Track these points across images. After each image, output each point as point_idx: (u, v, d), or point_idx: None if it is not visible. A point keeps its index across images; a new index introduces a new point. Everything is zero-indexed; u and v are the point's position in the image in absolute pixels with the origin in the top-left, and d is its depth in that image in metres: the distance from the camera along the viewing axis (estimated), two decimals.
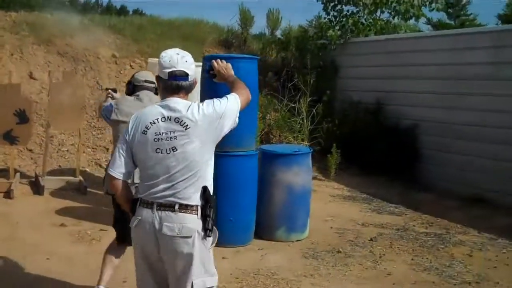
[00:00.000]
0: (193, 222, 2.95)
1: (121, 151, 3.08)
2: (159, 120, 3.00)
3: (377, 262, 5.86)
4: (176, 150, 2.95)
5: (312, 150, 6.77)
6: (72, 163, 8.91)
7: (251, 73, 5.87)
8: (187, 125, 2.96)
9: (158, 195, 2.96)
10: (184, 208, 2.94)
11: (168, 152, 2.96)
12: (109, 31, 12.25)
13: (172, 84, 3.05)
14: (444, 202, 8.33)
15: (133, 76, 4.72)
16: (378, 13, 12.40)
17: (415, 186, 9.23)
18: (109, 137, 9.90)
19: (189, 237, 2.93)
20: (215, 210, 3.01)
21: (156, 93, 4.45)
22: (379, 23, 12.01)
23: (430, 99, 9.55)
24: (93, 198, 7.64)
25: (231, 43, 13.59)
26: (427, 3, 12.18)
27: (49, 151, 9.12)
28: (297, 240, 6.38)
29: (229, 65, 3.46)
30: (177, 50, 3.12)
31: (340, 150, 9.90)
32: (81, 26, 11.75)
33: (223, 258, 5.58)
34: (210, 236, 3.01)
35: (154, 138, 2.98)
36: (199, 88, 5.91)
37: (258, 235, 6.33)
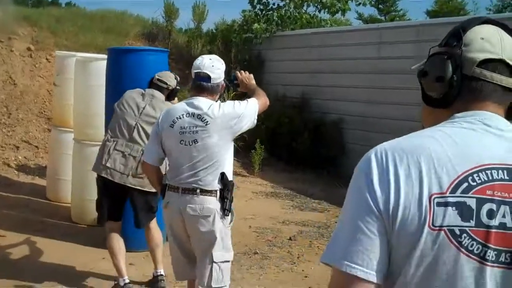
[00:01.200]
0: (213, 203, 3.45)
1: (153, 140, 3.63)
2: (184, 115, 3.49)
3: (295, 263, 5.65)
4: (197, 142, 3.45)
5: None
6: None
7: (160, 66, 5.51)
8: (207, 121, 3.45)
9: (183, 181, 3.47)
10: (205, 192, 3.44)
11: (191, 144, 3.45)
12: (25, 23, 11.60)
13: (196, 84, 3.57)
14: None
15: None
16: (304, 7, 12.23)
17: (340, 181, 9.09)
18: (20, 135, 9.35)
19: (209, 216, 3.44)
20: (232, 193, 3.52)
21: (169, 94, 4.78)
22: (304, 16, 11.82)
23: (354, 93, 9.45)
24: None
25: (155, 36, 13.15)
26: None
27: None
28: None
29: (251, 75, 3.87)
30: (211, 56, 3.69)
31: (265, 145, 9.68)
32: None
33: (130, 264, 5.22)
34: (228, 216, 3.51)
35: (179, 131, 3.48)
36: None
37: None
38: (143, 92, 4.72)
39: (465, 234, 1.18)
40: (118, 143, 4.59)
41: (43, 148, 9.15)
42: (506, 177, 1.21)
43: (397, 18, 25.41)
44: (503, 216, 1.19)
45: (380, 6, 30.32)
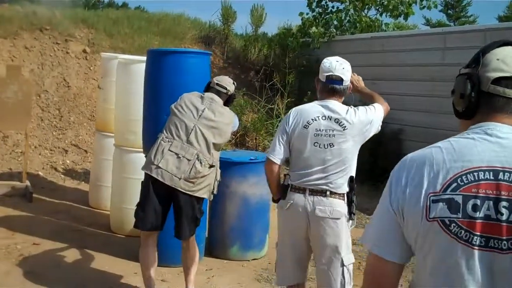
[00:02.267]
0: (341, 206, 3.45)
1: (281, 140, 3.56)
2: (320, 118, 3.50)
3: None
4: (333, 146, 3.45)
5: None
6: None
7: (202, 69, 5.17)
8: (345, 126, 3.47)
9: (311, 182, 3.45)
10: (334, 194, 3.44)
11: (326, 147, 3.45)
12: (81, 25, 11.55)
13: (328, 87, 3.58)
14: None
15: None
16: (365, 11, 11.70)
17: None
18: (70, 139, 9.23)
19: (338, 218, 3.44)
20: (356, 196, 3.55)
21: (227, 99, 4.55)
22: (364, 20, 11.28)
23: (416, 101, 8.86)
24: (38, 206, 6.94)
25: (212, 39, 12.90)
26: (418, 0, 11.46)
27: (1, 153, 8.47)
28: (254, 259, 5.66)
29: (360, 77, 3.89)
30: (337, 58, 3.66)
31: None
32: (52, 19, 11.05)
33: (162, 280, 4.89)
34: (353, 219, 3.54)
35: (314, 133, 3.48)
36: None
37: (210, 252, 5.61)
38: (202, 95, 4.48)
39: (454, 224, 1.48)
40: (173, 144, 4.28)
41: (92, 153, 8.99)
42: (492, 177, 1.48)
43: (468, 24, 24.36)
44: (487, 209, 1.46)
45: (449, 11, 29.36)
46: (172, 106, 4.45)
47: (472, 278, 1.46)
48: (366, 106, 3.63)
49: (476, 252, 1.46)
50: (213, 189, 4.42)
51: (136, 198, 4.50)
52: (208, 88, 4.59)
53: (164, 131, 4.39)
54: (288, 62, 10.92)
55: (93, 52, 10.87)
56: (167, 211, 4.41)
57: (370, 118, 3.56)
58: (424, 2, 11.37)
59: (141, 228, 4.42)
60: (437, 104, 8.51)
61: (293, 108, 3.70)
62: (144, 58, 5.55)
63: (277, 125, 9.94)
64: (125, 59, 6.38)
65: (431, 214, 1.50)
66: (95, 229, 6.35)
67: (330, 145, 3.45)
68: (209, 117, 4.35)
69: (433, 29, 13.54)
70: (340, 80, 3.56)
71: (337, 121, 3.48)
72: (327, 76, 3.57)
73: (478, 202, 1.47)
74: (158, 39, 11.93)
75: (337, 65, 3.57)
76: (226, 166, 5.46)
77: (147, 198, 4.34)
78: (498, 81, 1.58)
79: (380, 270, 1.62)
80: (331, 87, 3.57)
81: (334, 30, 11.17)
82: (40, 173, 8.26)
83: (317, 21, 11.55)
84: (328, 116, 3.49)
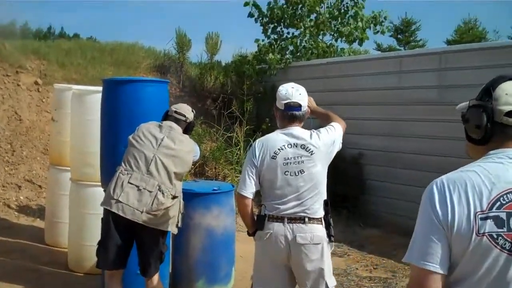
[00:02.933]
0: (321, 231, 3.49)
1: (250, 173, 3.52)
2: (286, 146, 3.52)
3: None
4: (304, 172, 3.48)
5: (235, 187, 5.91)
6: None
7: (160, 97, 5.03)
8: (312, 151, 3.50)
9: (289, 211, 3.46)
10: (313, 220, 3.46)
11: (297, 174, 3.47)
12: (32, 56, 11.26)
13: (288, 114, 3.60)
14: (391, 239, 7.57)
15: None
16: (320, 37, 11.76)
17: (361, 220, 8.49)
18: (23, 174, 8.90)
19: (319, 243, 3.47)
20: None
21: (186, 127, 4.46)
22: (321, 45, 11.34)
23: (375, 125, 8.89)
24: None
25: (167, 68, 12.76)
26: (372, 25, 11.62)
27: None
28: None
29: (311, 98, 3.84)
30: (292, 84, 3.69)
31: None
32: (1, 50, 10.73)
33: None
34: (332, 242, 3.56)
35: (283, 163, 3.49)
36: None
37: None
38: (160, 124, 4.35)
39: (500, 237, 1.74)
40: (133, 176, 4.10)
41: (46, 188, 8.66)
42: None
43: (417, 48, 24.92)
44: None
45: (399, 36, 29.95)
46: (130, 137, 4.30)
47: None
48: (326, 127, 3.67)
49: None
50: (178, 221, 4.25)
51: (96, 234, 4.30)
52: (166, 116, 4.47)
53: (123, 163, 4.22)
54: (245, 89, 10.84)
55: (45, 84, 10.58)
56: (130, 248, 4.23)
57: (332, 138, 3.60)
58: (378, 27, 11.55)
59: (103, 267, 4.22)
60: (395, 127, 8.55)
61: (257, 140, 3.69)
62: (99, 88, 5.39)
63: (237, 154, 9.84)
64: (80, 90, 6.18)
65: (481, 230, 1.74)
66: (53, 268, 6.07)
67: (300, 172, 3.47)
68: (169, 146, 4.22)
69: (388, 53, 13.72)
70: (298, 106, 3.59)
71: (303, 147, 3.51)
72: (285, 104, 3.58)
73: None
74: (112, 69, 11.73)
75: (293, 92, 3.60)
76: (189, 197, 5.24)
77: (108, 235, 4.14)
78: (509, 113, 1.85)
79: (429, 283, 1.78)
80: (291, 114, 3.59)
81: (290, 56, 11.18)
82: None
83: (273, 47, 11.54)
84: (294, 144, 3.51)
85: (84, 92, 6.05)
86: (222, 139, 10.07)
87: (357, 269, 6.47)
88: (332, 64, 10.18)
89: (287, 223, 3.45)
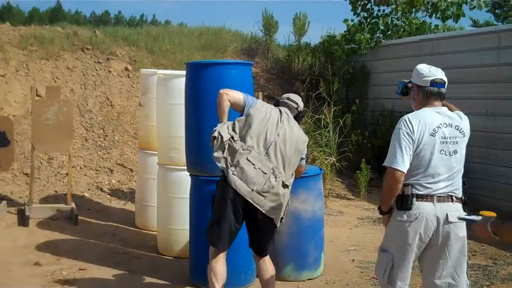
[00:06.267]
0: (461, 209, 3.55)
1: (407, 148, 3.48)
2: (442, 125, 3.53)
3: None
4: (457, 153, 3.54)
5: (323, 171, 5.71)
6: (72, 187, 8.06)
7: (244, 79, 4.89)
8: (464, 133, 3.59)
9: (439, 191, 3.50)
10: (457, 200, 3.55)
11: (451, 154, 3.52)
12: (123, 43, 11.47)
13: (434, 90, 3.61)
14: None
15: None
16: (413, 14, 11.25)
17: None
18: (115, 158, 9.07)
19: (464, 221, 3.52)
20: None
21: (295, 116, 4.34)
22: (414, 21, 10.83)
23: (472, 105, 8.39)
24: (84, 229, 6.75)
25: (255, 51, 12.65)
26: (468, 0, 10.93)
27: (46, 175, 8.35)
28: (309, 279, 5.32)
29: None
30: (425, 65, 3.74)
31: (372, 164, 8.84)
32: (92, 38, 11.00)
33: None
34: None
35: (441, 141, 3.51)
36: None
37: None
38: (280, 109, 4.26)
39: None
40: (251, 154, 3.99)
41: (137, 172, 8.80)
42: None
43: None
44: None
45: (496, 11, 28.44)
46: (251, 109, 4.12)
47: None
48: (458, 112, 3.74)
49: None
50: (284, 215, 4.14)
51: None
52: (277, 102, 4.42)
53: (242, 138, 4.05)
54: (333, 70, 10.55)
55: (135, 70, 10.74)
56: (239, 230, 4.15)
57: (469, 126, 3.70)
58: (474, 2, 10.87)
59: (217, 247, 4.10)
60: (494, 106, 8.05)
61: (408, 115, 3.59)
62: (184, 72, 5.31)
63: (326, 136, 9.57)
64: (164, 74, 6.14)
65: None
66: (142, 251, 6.12)
67: (454, 152, 3.52)
68: (287, 133, 4.11)
69: (485, 28, 12.95)
70: (444, 84, 3.63)
71: (457, 128, 3.56)
72: (431, 80, 3.60)
73: None
74: (200, 53, 11.75)
75: (436, 69, 3.66)
76: None
77: (224, 214, 4.02)
78: None
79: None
80: (438, 91, 3.61)
81: (381, 35, 10.78)
82: (86, 194, 8.09)
83: (362, 26, 11.16)
84: (449, 123, 3.55)
85: (168, 76, 6.00)
86: (310, 121, 9.85)
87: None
88: (425, 42, 9.71)
89: (437, 202, 3.48)
